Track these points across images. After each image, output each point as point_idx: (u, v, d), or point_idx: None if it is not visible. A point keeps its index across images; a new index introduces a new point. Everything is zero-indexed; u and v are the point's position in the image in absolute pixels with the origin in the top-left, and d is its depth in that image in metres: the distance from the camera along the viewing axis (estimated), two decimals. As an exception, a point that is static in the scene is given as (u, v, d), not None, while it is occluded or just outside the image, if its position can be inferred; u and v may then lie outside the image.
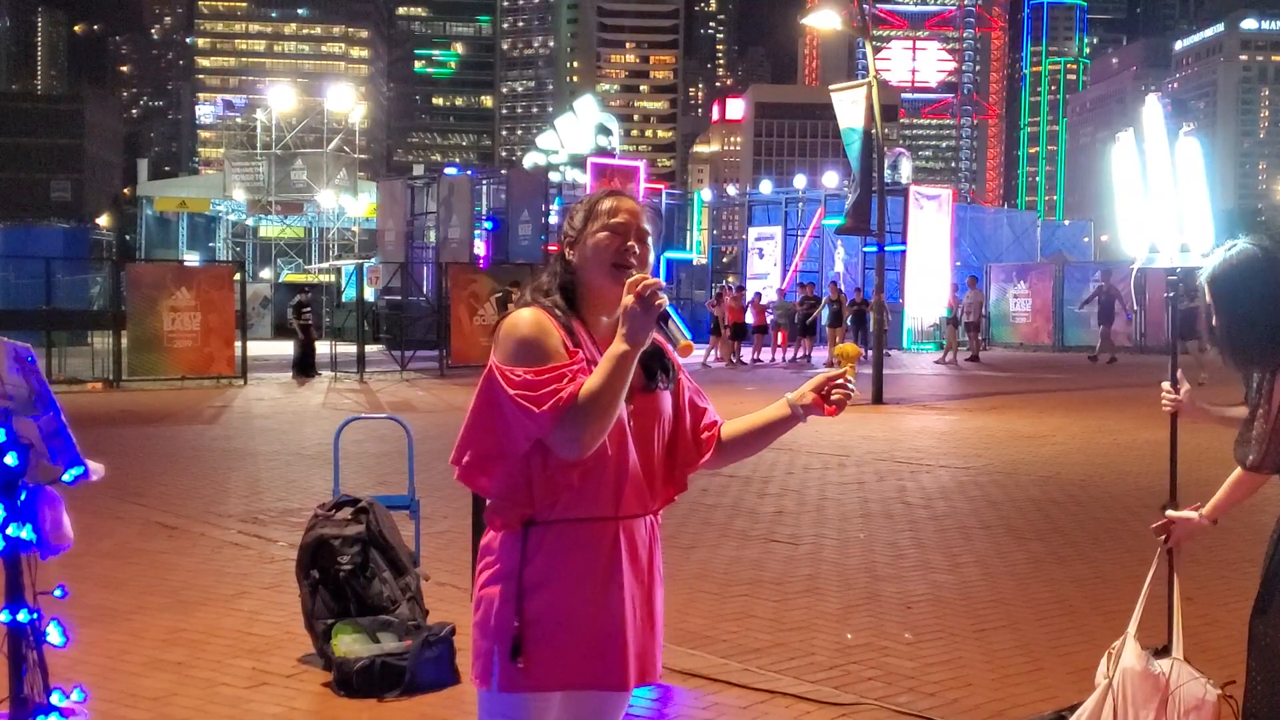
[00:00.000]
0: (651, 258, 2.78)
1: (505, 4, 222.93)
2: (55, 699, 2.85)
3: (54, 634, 2.84)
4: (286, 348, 26.14)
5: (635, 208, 2.79)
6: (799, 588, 7.10)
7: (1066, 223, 70.21)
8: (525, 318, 2.69)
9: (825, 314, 31.06)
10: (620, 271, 2.68)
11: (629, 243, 2.72)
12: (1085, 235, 52.82)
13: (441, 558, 7.45)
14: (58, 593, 2.84)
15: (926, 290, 36.78)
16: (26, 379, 2.62)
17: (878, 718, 4.89)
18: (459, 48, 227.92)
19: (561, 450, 2.59)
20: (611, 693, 2.74)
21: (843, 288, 33.85)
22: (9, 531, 2.70)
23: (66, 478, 2.69)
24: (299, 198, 56.92)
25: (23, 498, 2.71)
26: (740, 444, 2.90)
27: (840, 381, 2.78)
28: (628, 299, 2.56)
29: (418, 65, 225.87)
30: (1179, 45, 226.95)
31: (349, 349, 27.81)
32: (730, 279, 44.90)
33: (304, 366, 25.38)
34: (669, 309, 2.60)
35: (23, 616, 2.76)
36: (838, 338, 29.79)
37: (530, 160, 47.98)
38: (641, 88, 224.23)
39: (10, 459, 2.69)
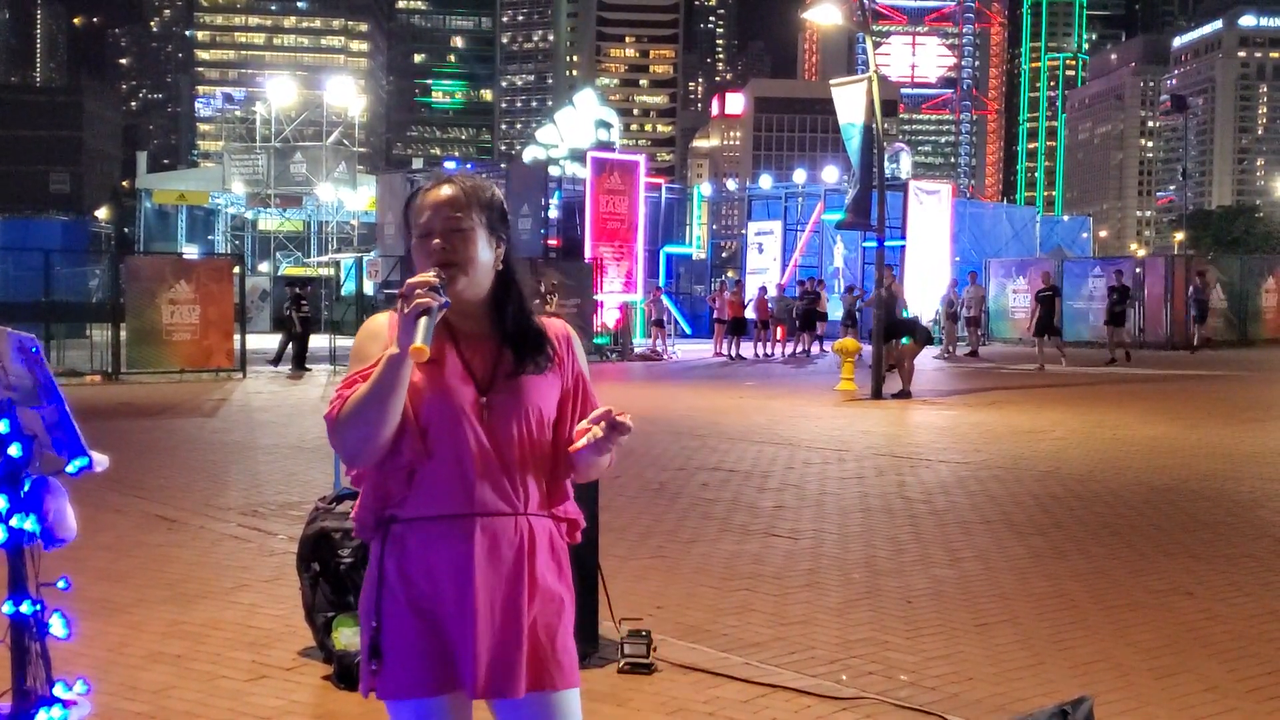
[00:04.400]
0: (478, 239, 2.59)
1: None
2: (59, 690, 2.84)
3: (57, 626, 2.83)
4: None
5: (438, 197, 2.60)
6: (799, 582, 7.10)
7: (1065, 218, 70.28)
8: (367, 323, 2.64)
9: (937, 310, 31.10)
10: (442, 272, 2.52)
11: (435, 242, 2.55)
12: (1084, 230, 52.84)
13: (441, 551, 7.43)
14: (61, 584, 2.83)
15: (926, 285, 36.79)
16: (30, 370, 2.61)
17: (879, 712, 4.88)
18: (459, 40, 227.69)
19: (341, 457, 2.51)
20: (545, 695, 2.58)
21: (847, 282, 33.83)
22: (13, 523, 2.69)
23: (70, 469, 2.68)
24: (298, 191, 56.92)
25: (26, 488, 2.70)
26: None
27: (605, 422, 2.54)
28: (399, 298, 2.45)
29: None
30: (1177, 41, 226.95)
31: (346, 343, 27.81)
32: (730, 274, 44.90)
33: (300, 360, 25.36)
34: (432, 308, 2.42)
35: (26, 608, 2.76)
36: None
37: (530, 154, 47.93)
38: (641, 82, 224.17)
39: (14, 450, 2.69)
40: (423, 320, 2.40)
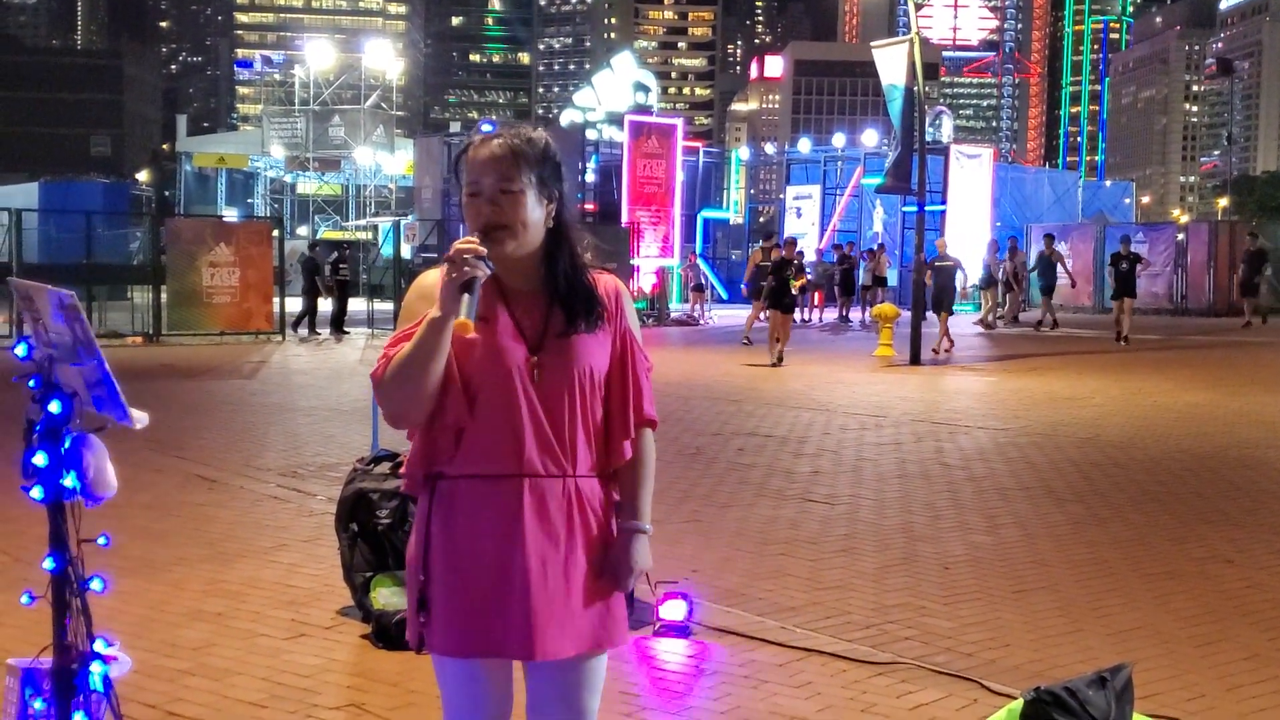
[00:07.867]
0: (528, 200, 2.52)
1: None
2: (99, 646, 2.86)
3: (96, 581, 2.86)
4: (322, 305, 26.08)
5: (490, 154, 2.53)
6: (835, 547, 7.08)
7: (1108, 183, 69.48)
8: (417, 280, 2.60)
9: (979, 278, 30.95)
10: (486, 236, 2.48)
11: (485, 206, 2.51)
12: (1126, 196, 52.22)
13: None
14: (102, 540, 2.85)
15: (966, 250, 36.47)
16: (70, 326, 2.63)
17: (915, 677, 4.87)
18: (496, 3, 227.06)
19: (385, 417, 2.51)
20: (567, 660, 2.57)
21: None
22: (54, 479, 2.71)
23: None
24: (336, 154, 57.02)
25: (67, 445, 2.72)
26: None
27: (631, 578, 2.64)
28: (445, 263, 2.42)
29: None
30: (1224, 4, 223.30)
31: (384, 307, 27.92)
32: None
33: (338, 323, 25.41)
34: (477, 279, 2.39)
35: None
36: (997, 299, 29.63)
37: (567, 118, 47.79)
38: (680, 45, 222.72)
39: (54, 406, 2.70)
40: (465, 297, 2.38)
